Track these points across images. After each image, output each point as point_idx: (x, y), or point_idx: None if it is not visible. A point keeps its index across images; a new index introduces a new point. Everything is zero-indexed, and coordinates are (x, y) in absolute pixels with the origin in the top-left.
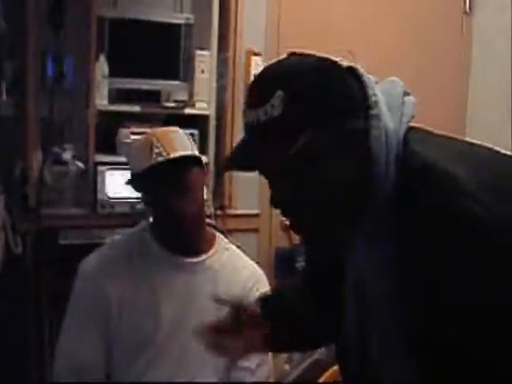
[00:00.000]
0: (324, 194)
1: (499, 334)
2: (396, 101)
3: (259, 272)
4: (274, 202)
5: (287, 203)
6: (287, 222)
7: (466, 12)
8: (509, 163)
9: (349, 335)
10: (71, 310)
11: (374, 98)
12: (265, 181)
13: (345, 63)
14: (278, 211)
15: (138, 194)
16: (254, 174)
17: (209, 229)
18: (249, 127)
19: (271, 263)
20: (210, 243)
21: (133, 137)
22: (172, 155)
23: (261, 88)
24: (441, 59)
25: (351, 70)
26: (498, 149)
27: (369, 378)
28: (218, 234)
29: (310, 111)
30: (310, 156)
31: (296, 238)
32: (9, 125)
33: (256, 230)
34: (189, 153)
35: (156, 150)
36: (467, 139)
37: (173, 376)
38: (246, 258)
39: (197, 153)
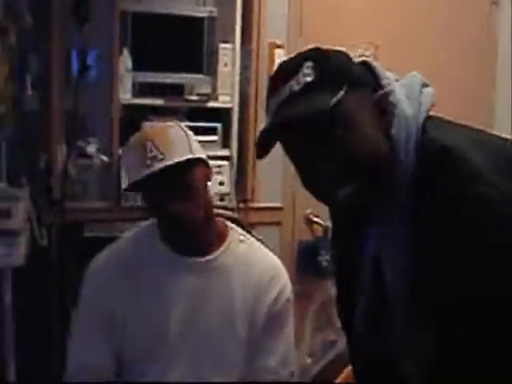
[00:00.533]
0: (359, 152)
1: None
2: (414, 91)
3: (277, 265)
4: (322, 167)
5: (338, 158)
6: (310, 216)
7: (493, 2)
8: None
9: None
10: (79, 310)
11: (389, 88)
12: (287, 174)
13: (359, 58)
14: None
15: None
16: (277, 167)
17: (220, 223)
18: (281, 103)
19: (294, 257)
20: (221, 238)
21: None
22: (168, 160)
23: (288, 66)
24: (467, 50)
25: (366, 64)
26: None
27: (384, 361)
28: (231, 226)
29: (339, 76)
30: (348, 109)
31: (319, 231)
32: (34, 118)
33: (279, 224)
34: (186, 157)
35: (150, 155)
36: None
37: (186, 376)
38: (263, 251)
39: (196, 152)
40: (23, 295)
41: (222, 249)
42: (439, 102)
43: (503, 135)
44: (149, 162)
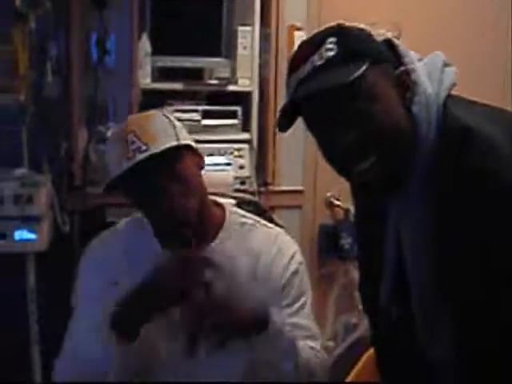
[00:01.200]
0: (389, 119)
1: None
2: (436, 70)
3: (281, 236)
4: (345, 141)
5: (363, 131)
6: (331, 199)
7: None
8: None
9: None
10: (76, 296)
11: (410, 66)
12: (308, 157)
13: (382, 36)
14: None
15: None
16: (298, 150)
17: (216, 209)
18: (303, 77)
19: (315, 240)
20: (218, 226)
21: (176, 114)
22: (152, 149)
23: (310, 42)
24: (489, 35)
25: (388, 42)
26: None
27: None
28: (231, 210)
29: (362, 51)
30: (371, 83)
31: (340, 214)
32: (54, 105)
33: (299, 207)
34: (170, 145)
35: (132, 147)
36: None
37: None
38: (267, 227)
39: (183, 140)
40: (46, 280)
41: (220, 236)
42: (461, 81)
43: None
44: (131, 154)
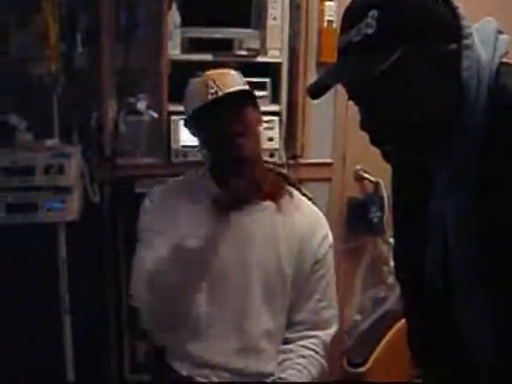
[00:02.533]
0: (416, 112)
1: None
2: (489, 36)
3: (319, 215)
4: (364, 125)
5: (381, 123)
6: (360, 172)
7: None
8: None
9: (434, 263)
10: (138, 233)
11: (467, 30)
12: (337, 129)
13: None
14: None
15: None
16: (327, 123)
17: (269, 173)
18: (340, 51)
19: (343, 213)
20: (272, 188)
21: None
22: (227, 91)
23: (354, 10)
24: None
25: (447, 3)
26: None
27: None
28: (282, 179)
29: (402, 29)
30: (403, 72)
31: (369, 187)
32: (84, 76)
33: (328, 180)
34: (244, 87)
35: (211, 90)
36: None
37: (235, 308)
38: (306, 203)
39: (251, 91)
40: (77, 250)
41: (272, 197)
42: None
43: None
44: (210, 96)
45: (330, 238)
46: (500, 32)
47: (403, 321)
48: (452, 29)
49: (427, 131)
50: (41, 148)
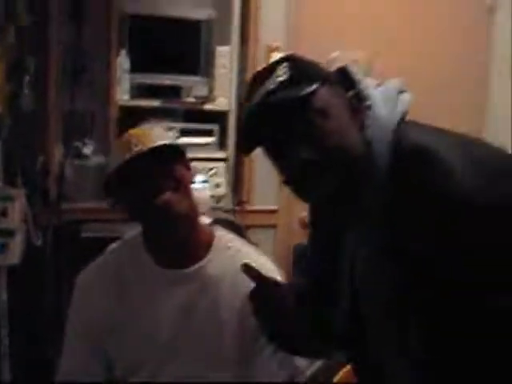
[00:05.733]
0: (336, 146)
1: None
2: (390, 95)
3: (267, 266)
4: (302, 162)
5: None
6: (306, 219)
7: (490, 9)
8: (488, 147)
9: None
10: (68, 324)
11: (367, 91)
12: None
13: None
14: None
15: None
16: (273, 170)
17: (205, 229)
18: (257, 102)
19: (289, 260)
20: (207, 245)
21: None
22: (152, 145)
23: (264, 70)
24: (463, 57)
25: (341, 69)
26: None
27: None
28: (219, 233)
29: (312, 74)
30: (322, 102)
31: None
32: (31, 119)
33: (274, 226)
34: (170, 141)
35: (134, 149)
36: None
37: None
38: (253, 256)
39: (177, 145)
40: (18, 294)
41: (208, 257)
42: (432, 106)
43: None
44: (132, 152)
45: None
46: (402, 91)
47: (347, 368)
48: (351, 82)
49: (349, 169)
50: None
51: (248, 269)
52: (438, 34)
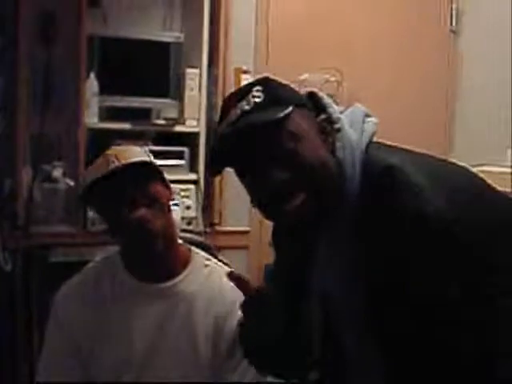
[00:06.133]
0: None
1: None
2: (357, 119)
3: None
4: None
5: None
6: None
7: (452, 31)
8: (453, 167)
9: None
10: (45, 344)
11: (335, 115)
12: None
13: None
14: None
15: None
16: (245, 191)
17: (183, 247)
18: (231, 123)
19: (261, 281)
20: (184, 263)
21: None
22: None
23: (238, 92)
24: (427, 78)
25: (311, 94)
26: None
27: None
28: (196, 251)
29: (286, 98)
30: (295, 125)
31: None
32: None
33: (246, 247)
34: (147, 160)
35: (113, 165)
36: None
37: None
38: (223, 281)
39: (154, 164)
40: None
41: (185, 273)
42: (399, 127)
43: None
44: (110, 168)
45: None
46: (368, 115)
47: None
48: (321, 106)
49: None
50: None
51: (233, 276)
52: (402, 54)
